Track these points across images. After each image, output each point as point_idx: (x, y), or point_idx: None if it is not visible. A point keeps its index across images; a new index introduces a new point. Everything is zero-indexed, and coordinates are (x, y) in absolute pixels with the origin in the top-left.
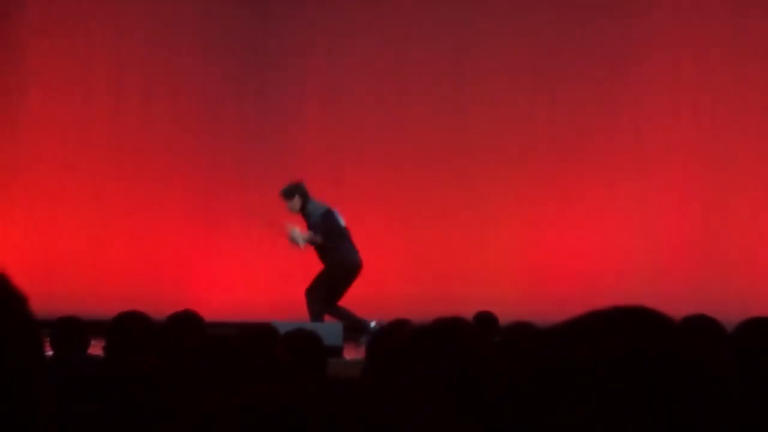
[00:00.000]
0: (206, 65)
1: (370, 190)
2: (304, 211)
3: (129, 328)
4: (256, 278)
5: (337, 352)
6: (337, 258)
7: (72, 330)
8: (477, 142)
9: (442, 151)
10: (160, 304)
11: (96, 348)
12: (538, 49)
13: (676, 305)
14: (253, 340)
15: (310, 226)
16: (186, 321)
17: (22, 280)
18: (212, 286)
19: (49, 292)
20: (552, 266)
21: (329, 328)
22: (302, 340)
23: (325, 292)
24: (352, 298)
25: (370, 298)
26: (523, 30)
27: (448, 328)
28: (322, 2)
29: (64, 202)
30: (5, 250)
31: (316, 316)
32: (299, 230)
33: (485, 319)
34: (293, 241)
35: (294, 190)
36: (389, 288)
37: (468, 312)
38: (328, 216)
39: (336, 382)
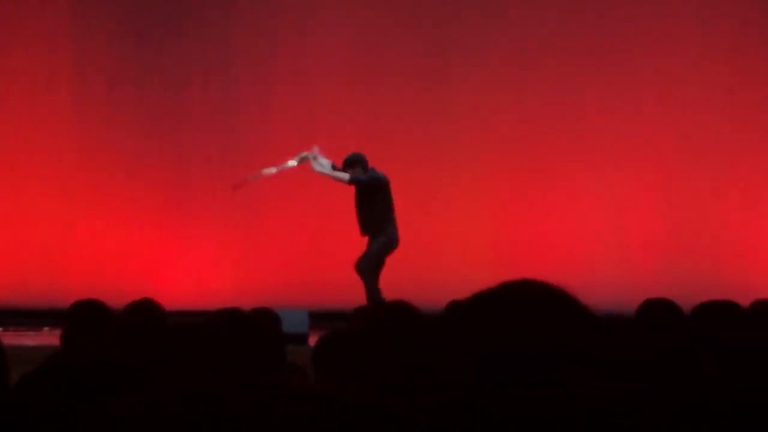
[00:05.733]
0: (172, 53)
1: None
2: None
3: (85, 317)
4: (226, 268)
5: (302, 339)
6: (389, 234)
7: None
8: (457, 134)
9: (416, 140)
10: (128, 296)
11: (53, 337)
12: (511, 35)
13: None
14: (215, 326)
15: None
16: (145, 309)
17: None
18: (182, 277)
19: (15, 282)
20: (522, 257)
21: (294, 315)
22: (263, 321)
23: (376, 265)
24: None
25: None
26: (506, 21)
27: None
28: None
29: (31, 192)
30: None
31: (372, 290)
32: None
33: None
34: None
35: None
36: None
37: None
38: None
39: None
